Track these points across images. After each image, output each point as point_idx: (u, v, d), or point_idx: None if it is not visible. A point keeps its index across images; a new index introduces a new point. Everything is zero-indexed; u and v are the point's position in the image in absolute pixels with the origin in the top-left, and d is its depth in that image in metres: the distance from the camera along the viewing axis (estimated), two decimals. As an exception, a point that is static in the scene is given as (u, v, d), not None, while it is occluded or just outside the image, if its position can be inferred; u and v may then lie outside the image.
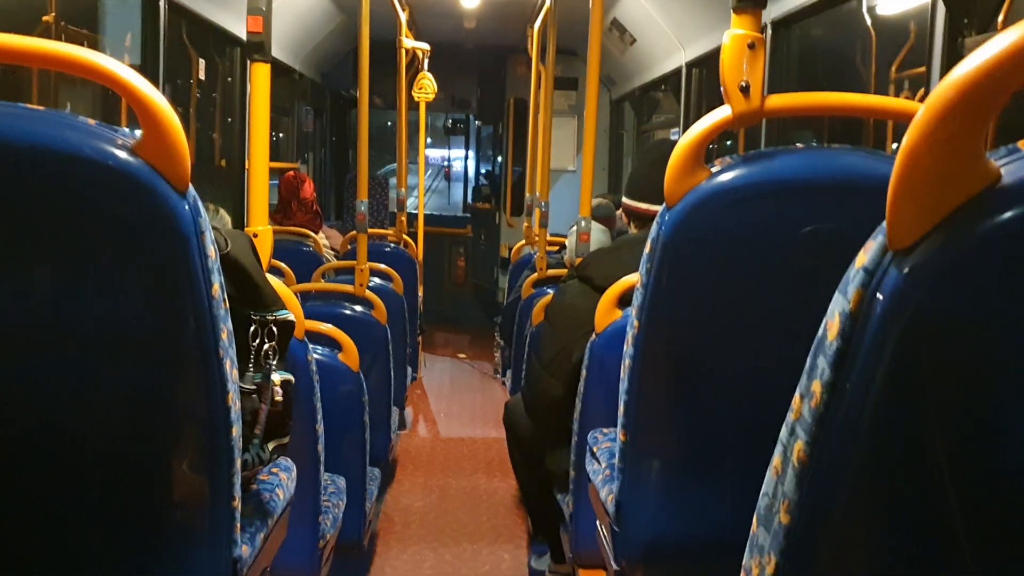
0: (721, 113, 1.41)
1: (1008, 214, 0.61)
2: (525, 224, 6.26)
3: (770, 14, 3.76)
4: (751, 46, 1.38)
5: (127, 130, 1.14)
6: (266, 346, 1.44)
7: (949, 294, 0.62)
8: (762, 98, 1.38)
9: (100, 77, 1.11)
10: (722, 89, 1.38)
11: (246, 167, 4.21)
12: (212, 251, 1.18)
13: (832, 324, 0.68)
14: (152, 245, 1.14)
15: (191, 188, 1.15)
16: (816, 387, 0.69)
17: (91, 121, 1.14)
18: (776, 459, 0.75)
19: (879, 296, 0.64)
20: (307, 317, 2.69)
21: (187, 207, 1.14)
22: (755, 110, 1.38)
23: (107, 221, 1.14)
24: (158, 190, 1.11)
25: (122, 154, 1.11)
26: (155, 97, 1.11)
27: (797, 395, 0.72)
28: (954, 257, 0.62)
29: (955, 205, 0.62)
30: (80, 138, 1.12)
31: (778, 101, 1.43)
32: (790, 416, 0.73)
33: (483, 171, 10.65)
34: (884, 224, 0.66)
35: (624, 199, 2.82)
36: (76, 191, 1.12)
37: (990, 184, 0.62)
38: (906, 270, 0.63)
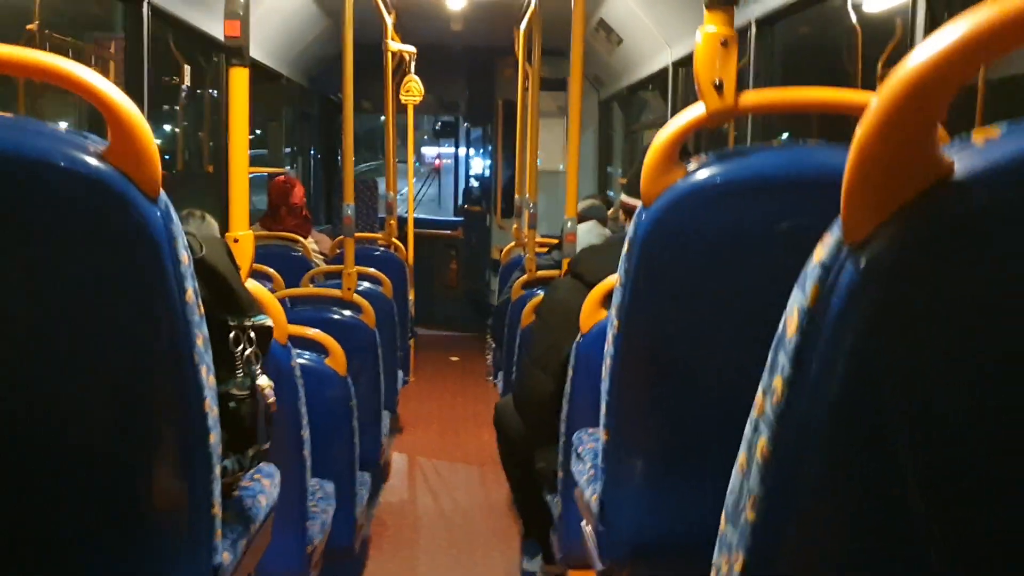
0: (695, 111, 1.41)
1: (960, 206, 0.61)
2: (514, 226, 6.26)
3: (754, 12, 3.77)
4: (724, 44, 1.38)
5: (96, 136, 1.14)
6: (248, 351, 1.44)
7: (904, 287, 0.62)
8: (736, 95, 1.38)
9: (66, 82, 1.11)
10: (696, 87, 1.38)
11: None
12: (185, 256, 1.17)
13: (791, 320, 0.68)
14: (123, 251, 1.14)
15: (163, 194, 1.15)
16: (777, 383, 0.69)
17: (61, 127, 1.14)
18: (742, 456, 0.75)
19: (836, 290, 0.64)
20: (294, 322, 2.69)
21: (158, 213, 1.13)
22: (729, 108, 1.38)
23: (78, 228, 1.13)
24: (128, 196, 1.11)
25: (92, 160, 1.11)
26: (123, 102, 1.11)
27: (760, 391, 0.72)
28: (908, 250, 0.62)
29: (908, 198, 0.62)
30: (50, 144, 1.11)
31: (752, 98, 1.43)
32: (754, 412, 0.73)
33: (473, 173, 10.65)
34: (840, 219, 0.66)
35: (622, 197, 2.83)
36: (46, 198, 1.11)
37: (942, 176, 0.62)
38: (861, 264, 0.63)
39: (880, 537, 0.65)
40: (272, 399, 1.46)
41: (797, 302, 0.68)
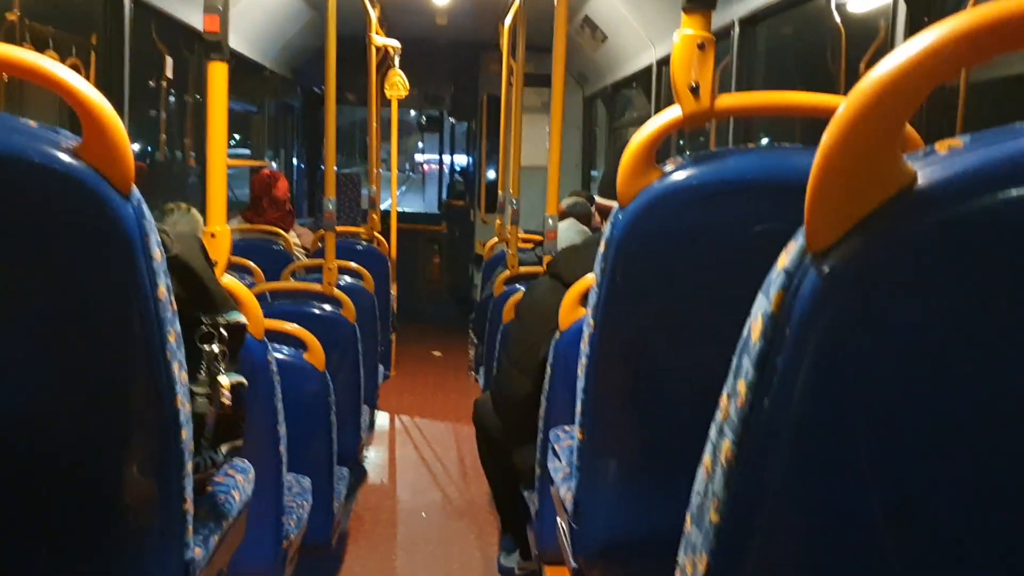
0: (671, 114, 1.41)
1: (923, 217, 0.62)
2: (497, 221, 6.25)
3: (737, 12, 3.78)
4: (701, 46, 1.38)
5: (69, 132, 1.13)
6: (216, 349, 1.43)
7: (866, 296, 0.63)
8: (712, 98, 1.39)
9: (39, 78, 1.10)
10: (672, 89, 1.39)
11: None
12: (158, 253, 1.17)
13: (755, 325, 0.69)
14: (96, 248, 1.13)
15: (135, 190, 1.15)
16: (741, 387, 0.70)
17: (32, 123, 1.13)
18: (706, 458, 0.76)
19: (799, 297, 0.65)
20: (274, 316, 2.68)
21: (131, 209, 1.13)
22: (705, 110, 1.39)
23: (50, 224, 1.13)
24: (100, 193, 1.11)
25: (65, 157, 1.10)
26: (96, 98, 1.10)
27: (724, 395, 0.73)
28: (871, 259, 0.63)
29: (872, 207, 0.63)
30: (22, 140, 1.11)
31: (728, 101, 1.44)
32: (718, 416, 0.74)
33: (457, 168, 10.63)
34: (804, 226, 0.66)
35: (597, 198, 2.84)
36: (18, 194, 1.11)
37: (906, 186, 0.62)
38: (825, 272, 0.64)
39: (843, 542, 0.66)
40: (227, 399, 1.43)
41: (761, 308, 0.68)
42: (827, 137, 0.63)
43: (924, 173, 0.63)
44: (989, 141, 0.63)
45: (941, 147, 0.65)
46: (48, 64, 1.11)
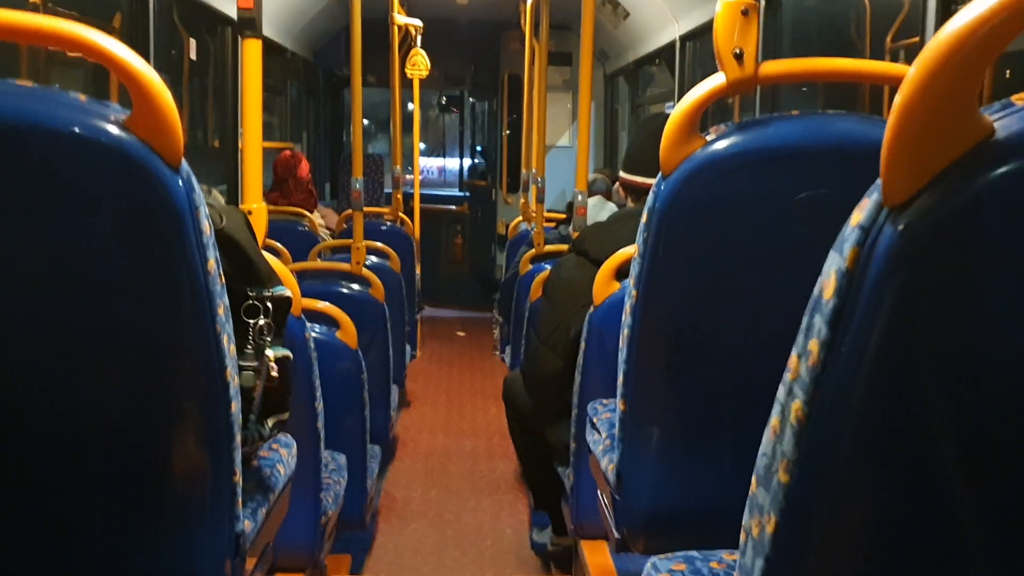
0: (715, 81, 1.40)
1: (1001, 169, 0.61)
2: (522, 200, 6.24)
3: (763, -16, 3.74)
4: (744, 12, 1.37)
5: (118, 106, 1.13)
6: (261, 322, 1.44)
7: (944, 249, 0.62)
8: (756, 65, 1.38)
9: (89, 51, 1.10)
10: (716, 56, 1.38)
11: (239, 146, 4.20)
12: (207, 226, 1.17)
13: (828, 283, 0.68)
14: (146, 221, 1.14)
15: (184, 163, 1.15)
16: (813, 346, 0.69)
17: (82, 97, 1.14)
18: (774, 419, 0.75)
19: (875, 253, 0.64)
20: (304, 296, 2.69)
21: (180, 183, 1.13)
22: (749, 77, 1.37)
23: (100, 198, 1.13)
24: (151, 166, 1.11)
25: (114, 130, 1.11)
26: (146, 71, 1.10)
27: (794, 354, 0.72)
28: (949, 213, 0.62)
29: (949, 161, 0.62)
30: (71, 114, 1.11)
31: (772, 68, 1.42)
32: (787, 376, 0.73)
33: (479, 148, 10.60)
34: (879, 181, 0.65)
35: (621, 173, 2.83)
36: (68, 168, 1.11)
37: (984, 139, 0.61)
38: (901, 227, 0.63)
39: (916, 502, 0.65)
40: (275, 373, 1.45)
41: (835, 264, 0.68)
42: (903, 92, 0.62)
43: (1002, 124, 0.62)
44: (1069, 92, 0.62)
45: (1018, 99, 0.65)
46: (97, 36, 1.11)
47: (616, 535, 1.64)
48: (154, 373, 1.22)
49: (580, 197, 3.26)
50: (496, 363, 6.18)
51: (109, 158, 1.11)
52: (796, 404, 0.71)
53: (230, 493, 1.31)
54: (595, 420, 1.94)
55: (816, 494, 0.71)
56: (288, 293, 1.47)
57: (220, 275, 1.22)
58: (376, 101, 9.46)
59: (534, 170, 4.87)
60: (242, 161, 2.13)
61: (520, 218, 5.99)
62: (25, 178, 1.11)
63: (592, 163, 7.25)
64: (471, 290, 8.73)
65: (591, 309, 2.28)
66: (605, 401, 2.02)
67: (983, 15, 0.60)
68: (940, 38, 0.61)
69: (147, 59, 3.46)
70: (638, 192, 2.69)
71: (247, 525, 1.37)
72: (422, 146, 11.20)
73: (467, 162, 10.42)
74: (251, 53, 2.05)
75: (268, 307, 1.43)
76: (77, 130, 1.10)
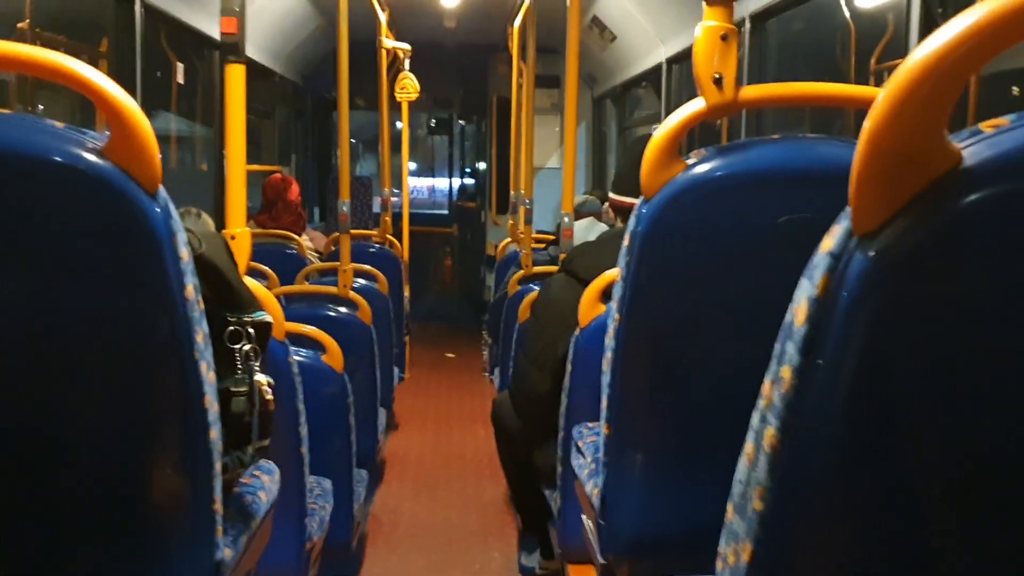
0: (695, 105, 1.41)
1: (970, 197, 0.61)
2: (510, 222, 6.25)
3: (748, 7, 3.77)
4: (724, 38, 1.38)
5: (95, 133, 1.13)
6: (247, 347, 1.43)
7: (915, 277, 0.62)
8: (736, 89, 1.38)
9: (64, 78, 1.10)
10: (695, 81, 1.38)
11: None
12: (185, 252, 1.17)
13: (799, 309, 0.68)
14: (124, 247, 1.13)
15: (162, 189, 1.15)
16: (786, 373, 0.69)
17: (59, 124, 1.13)
18: (748, 446, 0.75)
19: (846, 280, 0.64)
20: (290, 319, 2.68)
21: (158, 208, 1.13)
22: (729, 102, 1.38)
23: (78, 225, 1.13)
24: (128, 192, 1.11)
25: (91, 157, 1.10)
26: (122, 98, 1.10)
27: (767, 381, 0.72)
28: (919, 240, 0.62)
29: (918, 189, 0.62)
30: (48, 141, 1.11)
31: (752, 92, 1.43)
32: (760, 402, 0.73)
33: (467, 170, 10.63)
34: (849, 209, 0.66)
35: (610, 194, 2.84)
36: (46, 195, 1.11)
37: (952, 166, 0.62)
38: (872, 254, 0.63)
39: (893, 528, 0.65)
40: (270, 396, 1.45)
41: (806, 292, 0.68)
42: (872, 118, 0.63)
43: (970, 152, 0.62)
44: (1036, 118, 0.62)
45: (987, 126, 0.65)
46: (73, 64, 1.11)
47: (601, 560, 1.63)
48: (132, 400, 1.21)
49: (567, 219, 3.27)
50: (485, 384, 6.16)
51: (86, 185, 1.11)
52: (770, 431, 0.71)
53: (210, 520, 1.29)
54: (580, 443, 1.94)
55: (792, 521, 0.71)
56: (268, 318, 1.46)
57: (199, 301, 1.21)
58: (364, 123, 9.49)
59: (522, 191, 4.88)
60: (227, 184, 2.12)
61: (509, 239, 6.00)
62: (1, 205, 1.10)
63: (583, 184, 7.30)
64: (460, 311, 8.73)
65: (577, 331, 2.28)
66: (590, 424, 2.02)
67: (950, 43, 0.60)
68: (907, 66, 0.61)
69: (134, 83, 3.46)
70: (627, 213, 2.69)
71: (227, 553, 1.35)
72: (412, 166, 11.22)
73: (456, 182, 10.46)
74: (234, 77, 2.05)
75: (250, 332, 1.42)
76: (54, 157, 1.10)
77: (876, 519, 0.66)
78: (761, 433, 0.72)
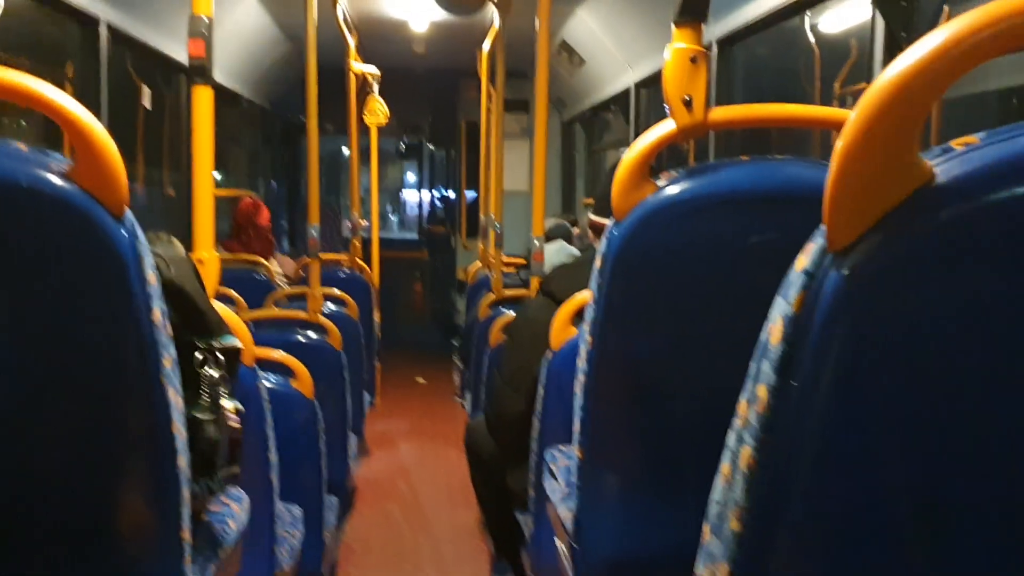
0: (665, 127, 1.41)
1: (942, 213, 0.61)
2: (480, 246, 6.25)
3: (715, 33, 3.81)
4: (693, 60, 1.39)
5: (60, 156, 1.11)
6: (216, 374, 1.41)
7: (889, 293, 0.62)
8: (705, 111, 1.39)
9: (30, 100, 1.08)
10: (665, 103, 1.39)
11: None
12: (152, 276, 1.15)
13: (775, 328, 0.68)
14: (89, 271, 1.12)
15: (128, 213, 1.13)
16: (762, 392, 0.69)
17: (23, 147, 1.12)
18: (725, 466, 0.74)
19: (821, 297, 0.64)
20: (260, 345, 2.65)
21: (124, 232, 1.11)
22: (699, 123, 1.39)
23: (43, 248, 1.11)
24: (94, 216, 1.09)
25: (56, 180, 1.08)
26: (88, 120, 1.09)
27: (743, 401, 0.72)
28: (892, 256, 0.62)
29: (890, 206, 0.62)
30: (13, 164, 1.09)
31: (721, 114, 1.44)
32: (736, 422, 0.73)
33: (437, 195, 10.64)
34: (823, 227, 0.66)
35: (589, 215, 2.85)
36: (9, 219, 1.09)
37: (924, 184, 0.62)
38: (846, 271, 0.63)
39: (870, 546, 0.65)
40: (236, 423, 1.43)
41: (781, 310, 0.68)
42: (844, 137, 0.63)
43: (942, 169, 0.63)
44: (1005, 136, 0.63)
45: (957, 144, 0.65)
46: (37, 84, 1.09)
47: (575, 585, 1.62)
48: (98, 427, 1.18)
49: (536, 243, 3.27)
50: (457, 409, 6.13)
51: (51, 208, 1.09)
52: (746, 451, 0.71)
53: (177, 549, 1.26)
54: (553, 467, 1.92)
55: (768, 541, 0.70)
56: (238, 343, 1.45)
57: (166, 326, 1.19)
58: (333, 149, 9.48)
59: (492, 215, 4.88)
60: (194, 209, 2.10)
61: (479, 263, 5.99)
62: (-37, 229, 1.08)
63: (553, 208, 7.31)
64: (431, 336, 8.69)
65: (549, 354, 2.27)
66: (563, 447, 2.00)
67: (921, 61, 0.61)
68: (878, 85, 0.62)
69: (99, 107, 3.42)
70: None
71: (195, 583, 1.33)
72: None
73: (427, 206, 10.45)
74: (202, 101, 2.04)
75: (219, 357, 1.40)
76: (19, 180, 1.08)
77: (853, 538, 0.65)
78: (738, 453, 0.72)
